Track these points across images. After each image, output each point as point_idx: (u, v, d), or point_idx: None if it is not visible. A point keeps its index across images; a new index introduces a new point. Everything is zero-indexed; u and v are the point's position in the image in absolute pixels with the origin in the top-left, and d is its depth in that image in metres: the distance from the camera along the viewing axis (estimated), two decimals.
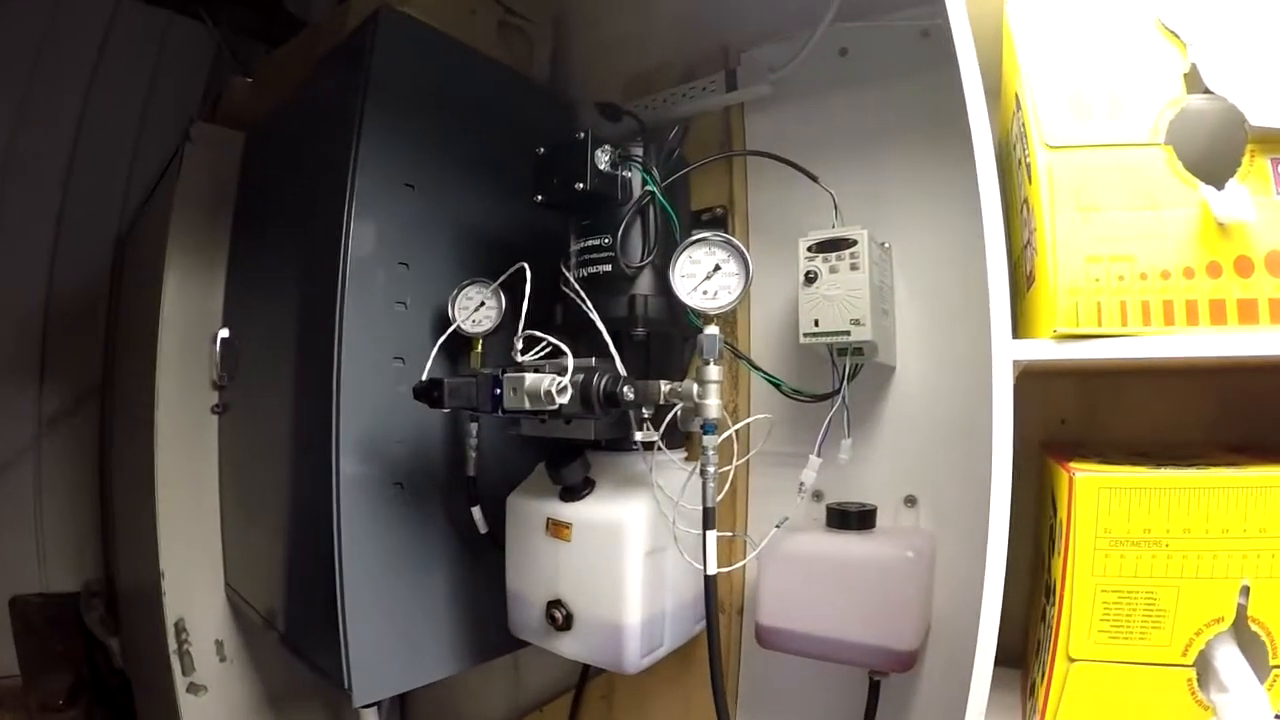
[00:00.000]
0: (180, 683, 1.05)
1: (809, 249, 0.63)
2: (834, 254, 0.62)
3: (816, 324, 0.62)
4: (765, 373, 0.73)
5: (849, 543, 0.64)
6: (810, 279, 0.62)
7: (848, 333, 0.60)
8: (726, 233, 0.64)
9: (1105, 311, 0.46)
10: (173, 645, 1.04)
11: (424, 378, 0.68)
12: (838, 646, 0.64)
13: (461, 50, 0.84)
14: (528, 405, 0.61)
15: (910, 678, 0.68)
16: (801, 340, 0.62)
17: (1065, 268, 0.47)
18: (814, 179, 0.69)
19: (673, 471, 0.66)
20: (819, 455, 0.64)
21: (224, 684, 1.08)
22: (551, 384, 0.60)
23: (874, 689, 0.68)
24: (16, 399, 1.83)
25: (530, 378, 0.61)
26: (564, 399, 0.60)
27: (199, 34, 1.89)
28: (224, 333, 0.99)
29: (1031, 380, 0.67)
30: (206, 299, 1.03)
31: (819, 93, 0.78)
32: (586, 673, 0.94)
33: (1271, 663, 0.45)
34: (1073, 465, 0.48)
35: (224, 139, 1.09)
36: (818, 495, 0.73)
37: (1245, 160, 0.46)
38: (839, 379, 0.64)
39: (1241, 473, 0.45)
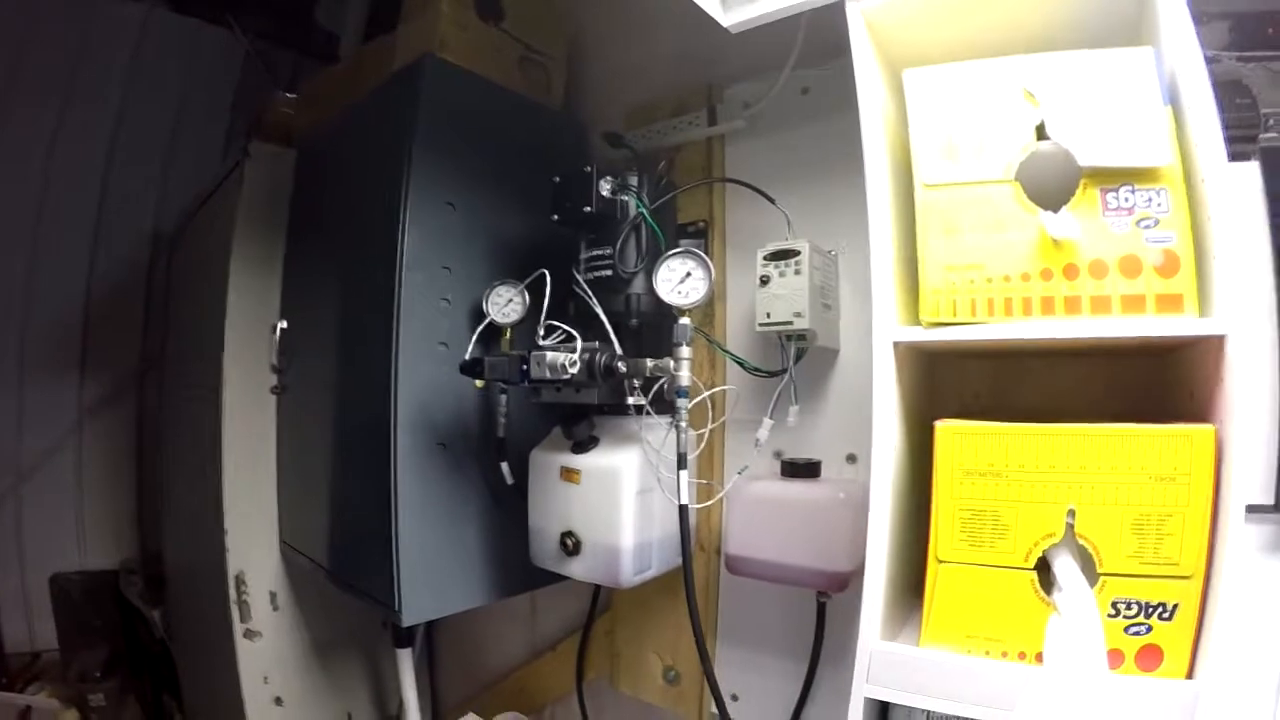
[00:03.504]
0: (238, 629, 1.32)
1: (764, 257, 0.88)
2: (783, 261, 0.87)
3: (769, 316, 0.87)
4: (731, 353, 0.98)
5: (796, 488, 0.89)
6: (764, 281, 0.87)
7: (790, 323, 0.85)
8: (708, 243, 0.89)
9: (960, 306, 0.70)
10: (233, 595, 1.31)
11: (467, 357, 0.94)
12: (788, 570, 0.88)
13: (490, 88, 1.10)
14: (548, 375, 0.87)
15: (849, 598, 0.93)
16: (757, 328, 0.87)
17: (931, 275, 0.71)
18: (771, 201, 0.94)
19: (660, 430, 0.91)
20: (771, 418, 0.89)
21: (276, 630, 1.35)
22: (565, 359, 0.86)
23: (821, 609, 0.93)
24: (59, 388, 2.12)
25: (549, 355, 0.86)
26: (574, 370, 0.85)
27: (229, 42, 2.17)
28: (283, 324, 1.25)
29: (949, 361, 0.91)
30: (266, 294, 1.30)
31: (785, 125, 1.03)
32: (593, 612, 1.19)
33: (1099, 570, 0.66)
34: (939, 421, 0.71)
35: (277, 154, 1.36)
36: (778, 453, 0.98)
37: (1080, 191, 0.68)
38: (787, 359, 0.89)
39: (1063, 426, 0.67)
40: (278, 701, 1.37)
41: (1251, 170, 0.76)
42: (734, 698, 1.05)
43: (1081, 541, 0.67)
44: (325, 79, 1.46)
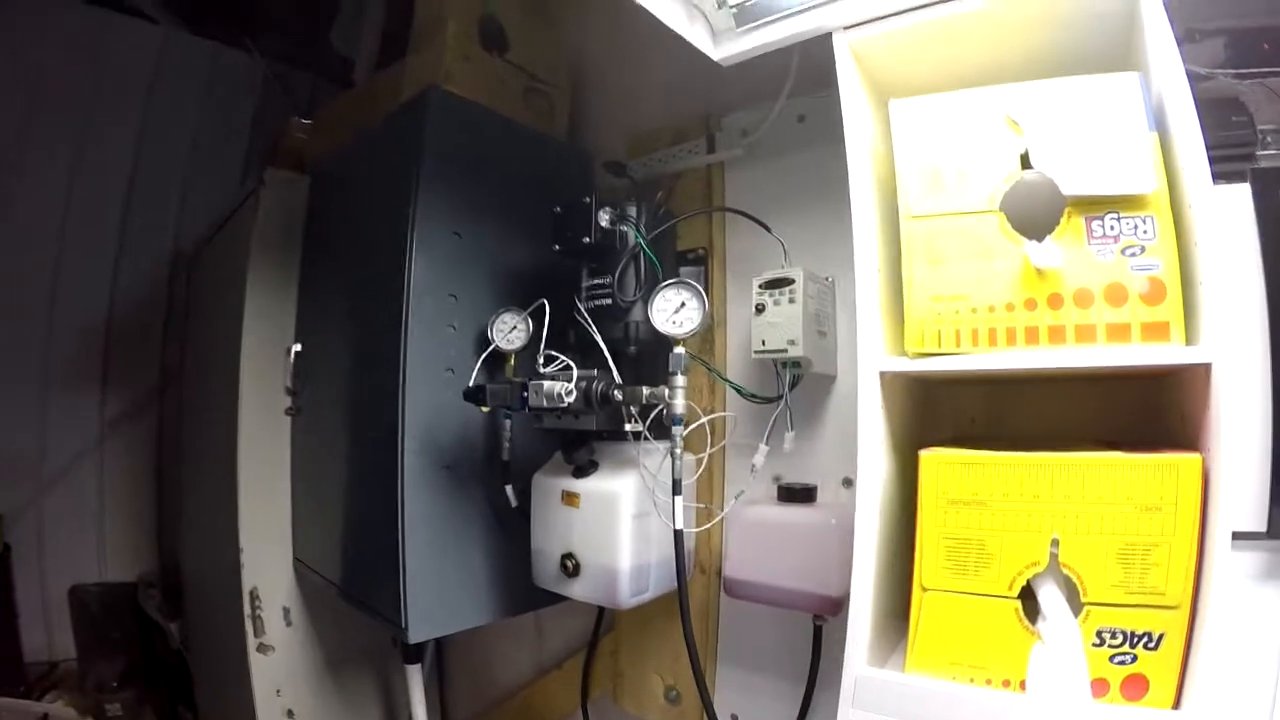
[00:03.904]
0: (252, 643, 1.36)
1: (759, 286, 0.91)
2: (778, 290, 0.89)
3: (764, 343, 0.90)
4: (728, 380, 1.01)
5: (792, 513, 0.92)
6: (760, 309, 0.90)
7: (785, 350, 0.88)
8: (707, 270, 0.91)
9: (945, 337, 0.72)
10: (247, 610, 1.35)
11: (471, 384, 0.98)
12: (783, 593, 0.91)
13: (495, 118, 1.14)
14: (546, 404, 0.90)
15: (845, 622, 0.95)
16: (753, 356, 0.90)
17: (917, 305, 0.73)
18: (767, 229, 0.97)
19: (658, 455, 0.93)
20: (767, 444, 0.92)
21: (288, 645, 1.39)
22: (562, 388, 0.89)
23: (817, 633, 0.95)
24: (82, 404, 2.20)
25: (547, 384, 0.90)
26: (570, 399, 0.88)
27: (246, 64, 2.24)
28: (297, 346, 1.30)
29: (945, 387, 0.93)
30: (281, 317, 1.35)
31: (783, 153, 1.05)
32: (598, 632, 1.22)
33: (1083, 600, 0.67)
34: (924, 450, 0.73)
35: (291, 181, 1.41)
36: (777, 478, 1.00)
37: (1065, 219, 0.70)
38: (782, 386, 0.91)
39: (1047, 455, 0.68)
40: (289, 715, 1.41)
41: (1243, 192, 0.77)
42: (733, 718, 1.07)
43: (1066, 571, 0.68)
44: (339, 105, 1.51)
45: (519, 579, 1.06)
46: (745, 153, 1.07)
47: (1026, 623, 0.69)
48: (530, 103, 1.22)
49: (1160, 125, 0.70)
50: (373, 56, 1.74)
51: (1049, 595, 0.68)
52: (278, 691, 1.38)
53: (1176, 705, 0.65)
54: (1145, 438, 0.73)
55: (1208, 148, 0.68)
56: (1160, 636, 0.66)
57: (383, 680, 1.50)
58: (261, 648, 1.37)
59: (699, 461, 0.95)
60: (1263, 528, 0.70)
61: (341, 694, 1.45)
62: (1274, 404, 0.68)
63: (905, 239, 0.75)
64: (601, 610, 1.22)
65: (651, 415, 0.91)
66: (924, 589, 0.73)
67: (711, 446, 0.97)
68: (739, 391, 0.96)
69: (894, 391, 0.78)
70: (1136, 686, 0.67)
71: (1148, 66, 0.72)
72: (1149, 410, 0.83)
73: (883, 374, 0.74)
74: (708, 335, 1.07)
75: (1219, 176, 0.70)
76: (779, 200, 1.03)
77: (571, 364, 0.92)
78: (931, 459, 0.72)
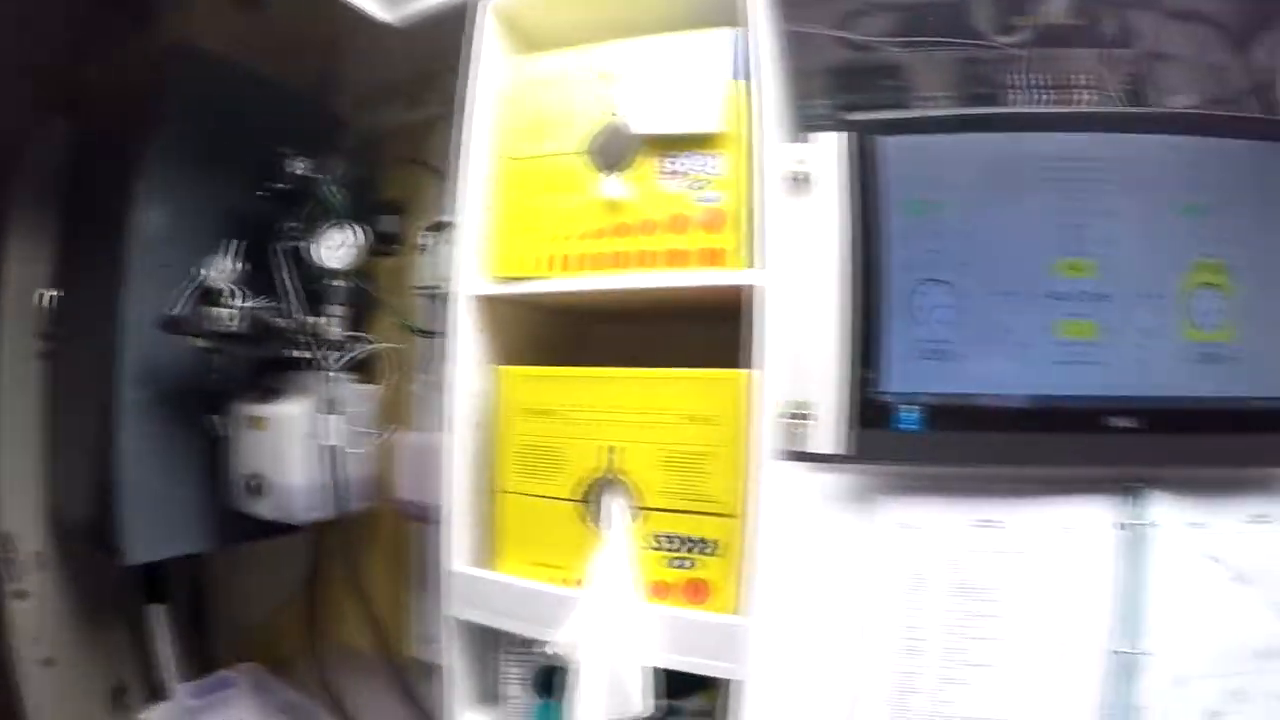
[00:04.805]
0: (7, 588, 1.38)
1: (424, 229, 0.98)
2: (439, 232, 0.97)
3: (424, 280, 0.97)
4: (398, 314, 1.07)
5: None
6: (423, 249, 0.97)
7: (439, 286, 0.95)
8: (406, 218, 0.99)
9: (527, 263, 0.79)
10: None
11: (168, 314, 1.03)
12: (428, 510, 0.96)
13: (239, 72, 1.20)
14: (222, 329, 0.96)
15: None
16: (414, 292, 0.97)
17: (508, 236, 0.80)
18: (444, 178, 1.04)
19: (343, 386, 1.00)
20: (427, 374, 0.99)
21: (44, 591, 1.41)
22: (227, 314, 0.95)
23: None
24: None
25: (215, 310, 0.96)
26: (235, 324, 0.94)
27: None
28: (49, 292, 1.34)
29: (590, 324, 0.98)
30: (41, 264, 1.38)
31: None
32: (318, 564, 1.26)
33: (639, 504, 0.74)
34: (501, 366, 0.80)
35: (55, 124, 1.43)
36: None
37: (641, 158, 0.77)
38: (440, 320, 0.98)
39: (608, 370, 0.76)
40: (49, 662, 1.42)
41: (842, 140, 0.82)
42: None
43: (624, 477, 0.75)
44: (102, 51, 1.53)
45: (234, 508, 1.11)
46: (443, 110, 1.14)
47: (593, 524, 0.76)
48: (281, 58, 1.28)
49: (747, 76, 0.77)
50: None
51: (606, 500, 0.76)
52: (35, 638, 1.40)
53: (739, 611, 0.70)
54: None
55: (804, 100, 0.75)
56: (716, 543, 0.73)
57: (145, 629, 1.53)
58: (17, 593, 1.39)
59: (387, 389, 1.02)
60: (843, 450, 0.76)
61: (101, 639, 1.47)
62: (852, 332, 0.75)
63: (503, 178, 0.83)
64: (321, 540, 1.25)
65: (349, 351, 0.98)
66: (502, 491, 0.80)
67: (392, 378, 1.04)
68: (407, 326, 1.04)
69: (493, 317, 0.84)
70: (698, 591, 0.74)
71: (747, 25, 0.78)
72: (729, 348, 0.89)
73: (478, 297, 0.82)
74: (403, 278, 1.13)
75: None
76: None
77: (244, 293, 0.98)
78: (507, 373, 0.80)
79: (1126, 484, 0.79)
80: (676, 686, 0.74)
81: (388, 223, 0.98)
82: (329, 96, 1.34)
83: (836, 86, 0.92)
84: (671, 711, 0.79)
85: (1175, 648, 0.77)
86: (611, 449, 0.75)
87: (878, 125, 0.78)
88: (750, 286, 0.70)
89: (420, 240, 0.97)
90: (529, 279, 0.80)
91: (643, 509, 0.74)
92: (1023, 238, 0.78)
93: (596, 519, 0.76)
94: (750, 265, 0.73)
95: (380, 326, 1.06)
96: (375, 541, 1.07)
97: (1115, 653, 0.76)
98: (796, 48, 0.90)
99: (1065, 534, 0.78)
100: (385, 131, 1.18)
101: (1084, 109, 0.88)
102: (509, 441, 0.79)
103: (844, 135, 0.78)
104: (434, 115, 1.16)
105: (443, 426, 0.81)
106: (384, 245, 1.00)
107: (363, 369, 1.04)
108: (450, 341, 0.81)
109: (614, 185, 0.77)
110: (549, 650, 0.73)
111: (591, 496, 0.76)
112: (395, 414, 1.11)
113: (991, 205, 0.78)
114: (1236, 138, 0.82)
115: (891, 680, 0.77)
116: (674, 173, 0.77)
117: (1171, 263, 0.79)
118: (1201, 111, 0.87)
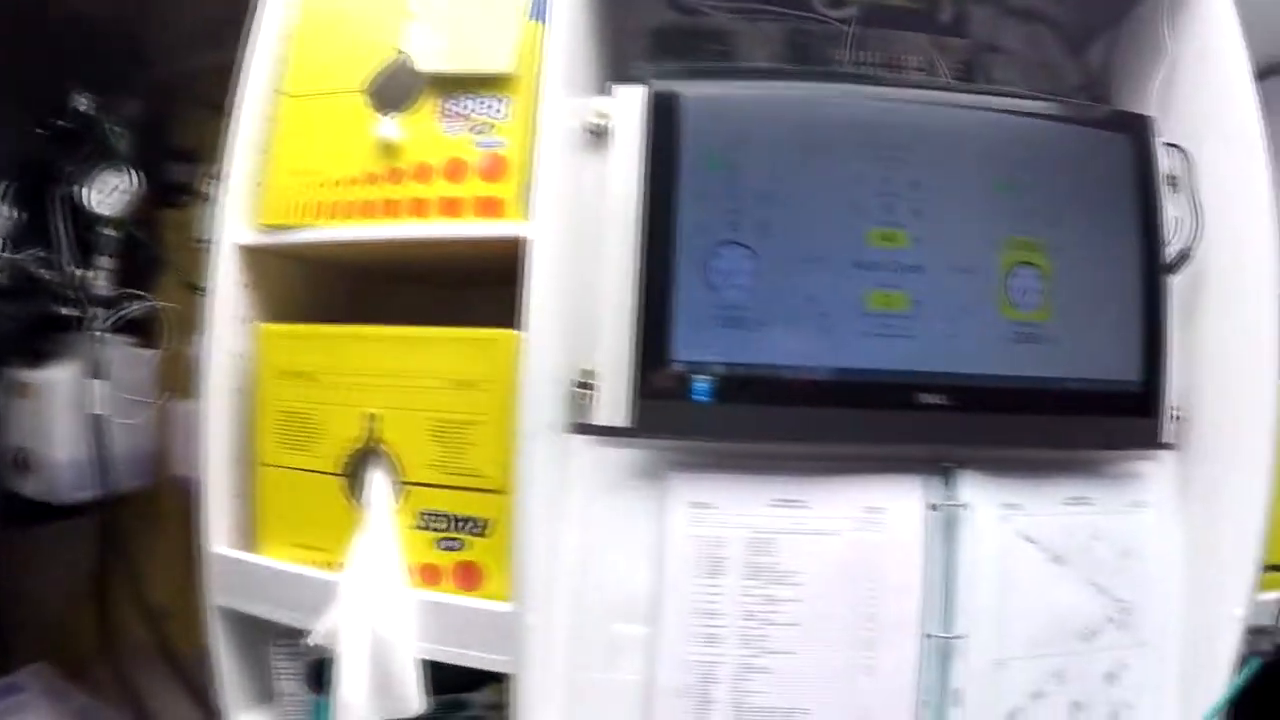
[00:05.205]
0: None
1: (210, 178, 0.89)
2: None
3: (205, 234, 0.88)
4: (180, 272, 0.97)
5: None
6: (207, 200, 0.88)
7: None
8: (200, 167, 0.89)
9: (295, 210, 0.71)
10: None
11: None
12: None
13: None
14: None
15: None
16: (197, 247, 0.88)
17: (276, 179, 0.72)
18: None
19: (113, 348, 0.90)
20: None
21: None
22: None
23: None
24: None
25: None
26: None
27: None
28: None
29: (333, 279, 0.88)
30: None
31: None
32: (104, 551, 1.14)
33: (402, 479, 0.67)
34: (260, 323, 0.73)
35: None
36: None
37: (422, 98, 0.71)
38: None
39: (369, 328, 0.69)
40: None
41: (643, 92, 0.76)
42: None
43: (385, 448, 0.68)
44: None
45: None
46: None
47: (354, 499, 0.69)
48: None
49: (547, 19, 0.71)
50: None
51: (367, 475, 0.68)
52: None
53: (513, 599, 0.64)
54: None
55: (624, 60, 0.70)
56: (488, 522, 0.66)
57: None
58: None
59: (163, 356, 0.93)
60: (628, 422, 0.70)
61: None
62: (641, 295, 0.69)
63: (279, 116, 0.75)
64: (108, 527, 1.14)
65: (120, 310, 0.88)
66: (262, 464, 0.72)
67: (177, 342, 0.94)
68: (187, 283, 0.95)
69: (279, 272, 0.77)
70: (470, 575, 0.67)
71: None
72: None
73: (240, 247, 0.74)
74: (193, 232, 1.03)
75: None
76: None
77: (9, 243, 0.87)
78: (265, 331, 0.72)
79: (939, 464, 0.76)
80: (464, 678, 0.68)
81: (179, 171, 0.89)
82: (131, 31, 1.23)
83: (659, 48, 0.87)
84: (458, 706, 0.73)
85: (992, 630, 0.75)
86: (372, 417, 0.68)
87: (681, 78, 0.73)
88: (522, 239, 0.64)
89: (206, 189, 0.88)
90: (295, 228, 0.72)
91: (407, 484, 0.67)
92: (831, 204, 0.74)
93: (358, 495, 0.68)
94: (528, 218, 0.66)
95: (165, 285, 0.96)
96: (158, 524, 0.97)
97: (929, 637, 0.73)
98: (619, 6, 0.85)
99: (873, 514, 0.74)
100: (189, 73, 1.08)
101: (896, 77, 0.84)
102: (267, 408, 0.71)
103: (646, 88, 0.73)
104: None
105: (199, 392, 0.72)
106: (173, 195, 0.91)
107: (142, 331, 0.94)
108: (210, 296, 0.72)
109: (390, 127, 0.70)
110: (312, 642, 0.65)
111: (352, 470, 0.69)
112: (177, 381, 1.01)
113: (799, 169, 0.73)
114: (1053, 121, 0.80)
115: (691, 670, 0.71)
116: (456, 115, 0.71)
117: (987, 238, 0.77)
118: (1019, 91, 0.85)
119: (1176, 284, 0.81)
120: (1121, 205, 0.80)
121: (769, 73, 0.77)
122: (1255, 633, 0.73)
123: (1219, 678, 0.74)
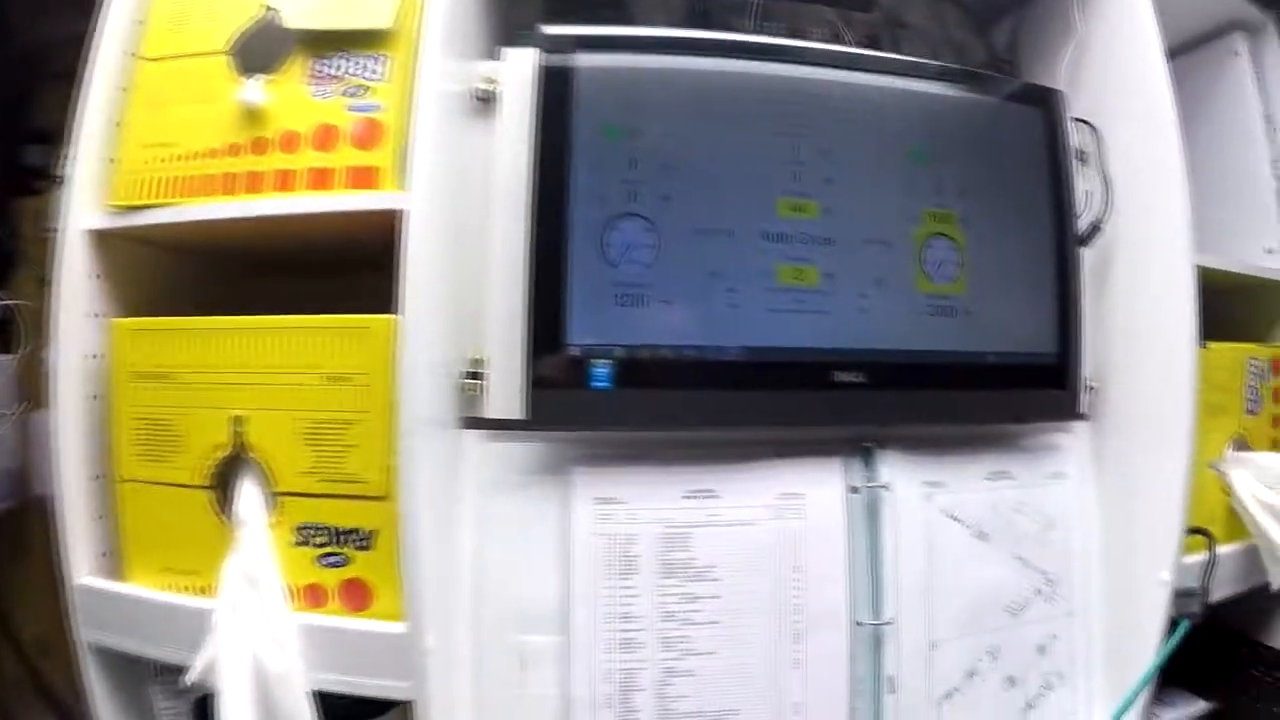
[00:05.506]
0: None
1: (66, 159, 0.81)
2: None
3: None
4: (37, 265, 0.87)
5: None
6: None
7: None
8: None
9: (149, 187, 0.63)
10: None
11: None
12: None
13: None
14: None
15: None
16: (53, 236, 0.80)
17: (128, 154, 0.65)
18: None
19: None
20: None
21: None
22: None
23: None
24: None
25: None
26: None
27: None
28: None
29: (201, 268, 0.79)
30: None
31: None
32: None
33: (275, 489, 0.60)
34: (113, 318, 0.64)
35: None
36: None
37: (292, 59, 0.64)
38: None
39: (231, 319, 0.61)
40: None
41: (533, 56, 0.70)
42: None
43: (254, 455, 0.61)
44: None
45: None
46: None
47: (225, 515, 0.61)
48: None
49: None
50: None
51: (242, 489, 0.60)
52: None
53: (404, 618, 0.57)
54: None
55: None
56: (372, 533, 0.60)
57: None
58: None
59: (18, 361, 0.83)
60: (520, 414, 0.64)
61: None
62: (531, 273, 0.63)
63: (134, 82, 0.67)
64: None
65: None
66: (122, 480, 0.64)
67: (34, 345, 0.86)
68: (44, 279, 0.86)
69: (137, 260, 0.70)
70: (357, 594, 0.60)
71: None
72: None
73: (89, 232, 0.66)
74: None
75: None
76: None
77: None
78: (118, 326, 0.64)
79: (858, 444, 0.73)
80: (361, 707, 0.61)
81: (36, 154, 0.80)
82: None
83: (552, 10, 0.81)
84: None
85: (922, 613, 0.73)
86: (238, 419, 0.61)
87: (573, 42, 0.68)
88: (399, 211, 0.57)
89: (63, 172, 0.79)
90: (146, 208, 0.64)
91: (280, 494, 0.60)
92: (736, 173, 0.70)
93: (228, 510, 0.61)
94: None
95: (21, 281, 0.87)
96: (25, 550, 0.88)
97: (859, 624, 0.71)
98: None
99: (792, 501, 0.71)
100: (47, 45, 0.98)
101: (801, 44, 0.81)
102: (124, 414, 0.64)
103: (537, 51, 0.67)
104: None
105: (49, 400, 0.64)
106: (30, 181, 0.82)
107: None
108: (56, 289, 0.64)
109: (254, 90, 0.63)
110: (190, 679, 0.57)
111: (220, 481, 0.61)
112: (37, 388, 0.92)
113: (700, 136, 0.69)
114: (965, 93, 0.79)
115: (609, 679, 0.66)
116: (328, 76, 0.64)
117: (899, 209, 0.74)
118: (930, 63, 0.83)
119: (1088, 258, 0.80)
120: (1033, 178, 0.79)
121: (672, 39, 0.73)
122: (1183, 595, 0.73)
123: (1148, 642, 0.73)
